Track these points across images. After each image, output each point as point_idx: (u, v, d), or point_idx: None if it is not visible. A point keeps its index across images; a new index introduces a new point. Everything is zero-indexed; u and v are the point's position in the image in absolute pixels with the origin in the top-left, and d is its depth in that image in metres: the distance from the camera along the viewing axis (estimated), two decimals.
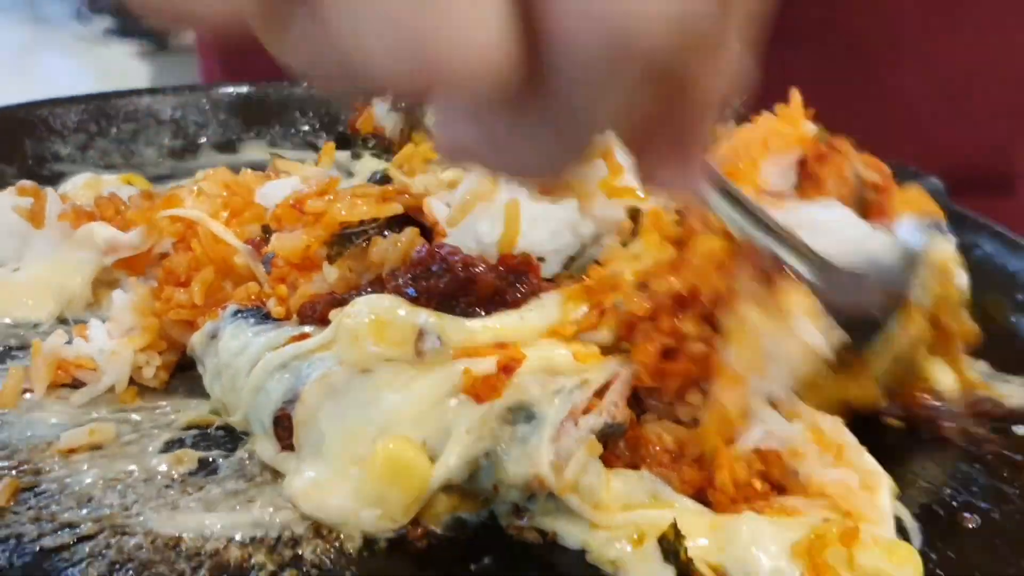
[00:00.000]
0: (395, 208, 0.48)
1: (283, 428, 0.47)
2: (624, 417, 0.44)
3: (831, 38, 0.76)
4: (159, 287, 0.50)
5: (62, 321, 0.64)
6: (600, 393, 0.43)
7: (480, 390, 0.39)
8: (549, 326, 0.42)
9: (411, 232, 0.46)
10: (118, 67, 4.21)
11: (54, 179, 0.67)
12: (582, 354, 0.43)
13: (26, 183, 0.50)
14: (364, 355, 0.41)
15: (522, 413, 0.40)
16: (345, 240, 0.47)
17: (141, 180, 0.68)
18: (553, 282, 0.46)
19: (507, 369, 0.40)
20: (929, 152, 0.76)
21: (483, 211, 0.48)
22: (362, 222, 0.47)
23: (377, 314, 0.41)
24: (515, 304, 0.42)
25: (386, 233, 0.46)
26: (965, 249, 0.56)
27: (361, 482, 0.41)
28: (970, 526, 0.50)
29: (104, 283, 0.55)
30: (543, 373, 0.41)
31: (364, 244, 0.47)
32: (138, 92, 0.61)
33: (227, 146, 0.70)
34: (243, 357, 0.48)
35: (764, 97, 0.61)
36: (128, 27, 4.52)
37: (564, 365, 0.41)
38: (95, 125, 0.59)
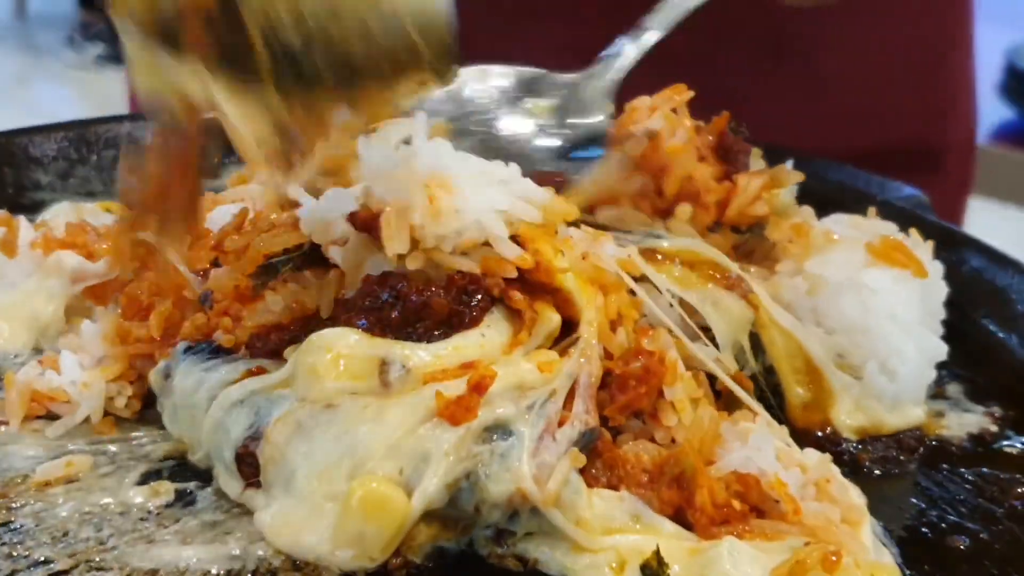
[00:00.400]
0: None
1: (247, 465, 0.46)
2: (596, 421, 0.44)
3: (761, 27, 0.77)
4: (122, 318, 0.49)
5: (37, 350, 0.62)
6: (568, 403, 0.43)
7: (455, 412, 0.38)
8: (509, 340, 0.41)
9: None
10: (111, 94, 4.22)
11: (35, 207, 0.65)
12: (544, 363, 0.42)
13: (2, 212, 0.49)
14: (326, 392, 0.40)
15: (499, 431, 0.39)
16: (271, 270, 0.46)
17: (121, 208, 0.68)
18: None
19: (479, 388, 0.39)
20: (862, 131, 0.80)
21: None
22: (285, 250, 0.47)
23: (335, 350, 0.40)
24: (472, 323, 0.41)
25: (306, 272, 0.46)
26: (954, 265, 0.55)
27: (337, 520, 0.39)
28: (960, 547, 0.49)
29: (78, 311, 0.54)
30: (513, 389, 0.40)
31: (291, 270, 0.46)
32: (118, 118, 0.60)
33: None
34: (199, 395, 0.47)
35: (702, 89, 0.62)
36: (120, 54, 4.51)
37: (532, 379, 0.41)
38: (75, 153, 0.59)
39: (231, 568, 0.48)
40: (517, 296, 0.41)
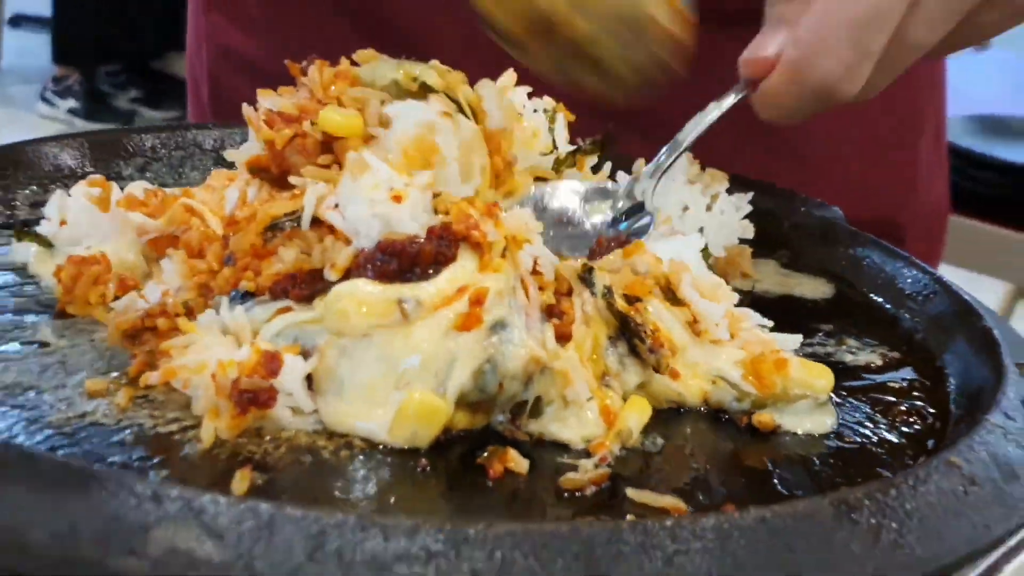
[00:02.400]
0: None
1: None
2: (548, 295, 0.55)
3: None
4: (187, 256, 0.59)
5: None
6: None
7: (466, 322, 0.50)
8: (478, 265, 0.53)
9: None
10: None
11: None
12: (505, 270, 0.53)
13: (96, 176, 0.61)
14: (358, 328, 0.51)
15: (498, 326, 0.51)
16: (277, 229, 0.57)
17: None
18: None
19: (479, 301, 0.50)
20: (839, 205, 0.88)
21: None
22: (286, 214, 0.57)
23: (359, 297, 0.51)
24: (451, 259, 0.53)
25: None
26: (859, 258, 0.68)
27: (393, 423, 0.50)
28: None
29: (153, 259, 0.65)
30: (496, 295, 0.51)
31: (292, 226, 0.56)
32: (185, 126, 0.72)
33: None
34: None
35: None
36: (92, 110, 4.61)
37: (501, 284, 0.52)
38: (152, 151, 0.70)
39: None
40: (475, 233, 0.53)
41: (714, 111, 0.61)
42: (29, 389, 0.48)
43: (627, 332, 0.53)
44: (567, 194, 0.63)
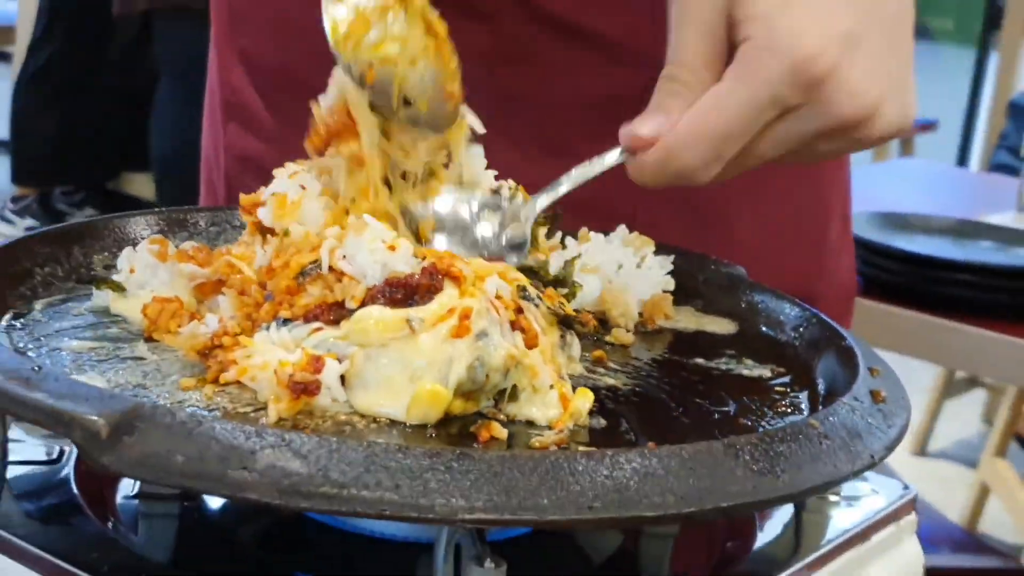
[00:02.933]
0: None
1: None
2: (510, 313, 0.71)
3: (690, 196, 0.90)
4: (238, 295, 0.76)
5: None
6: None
7: (459, 332, 0.67)
8: (459, 293, 0.70)
9: None
10: None
11: None
12: (478, 295, 0.70)
13: (156, 236, 0.78)
14: (378, 340, 0.68)
15: (482, 334, 0.68)
16: (303, 274, 0.74)
17: None
18: None
19: (466, 316, 0.68)
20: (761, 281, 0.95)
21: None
22: (310, 263, 0.75)
23: (376, 317, 0.68)
24: (439, 288, 0.70)
25: None
26: (754, 303, 0.87)
27: (409, 408, 0.66)
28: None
29: (200, 300, 0.81)
30: (477, 313, 0.69)
31: (316, 271, 0.74)
32: (220, 208, 0.89)
33: None
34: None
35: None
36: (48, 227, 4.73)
37: (479, 305, 0.69)
38: (194, 225, 0.88)
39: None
40: (454, 270, 0.71)
41: (596, 165, 0.74)
42: (138, 386, 0.64)
43: (565, 323, 0.71)
44: (461, 202, 0.78)
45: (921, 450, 3.69)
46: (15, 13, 5.18)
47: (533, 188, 0.79)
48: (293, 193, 0.72)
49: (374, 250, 0.69)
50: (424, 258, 0.70)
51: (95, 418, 0.53)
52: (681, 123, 0.69)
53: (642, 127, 0.70)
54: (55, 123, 4.73)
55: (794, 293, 0.89)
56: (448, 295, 0.69)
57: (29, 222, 4.85)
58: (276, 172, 0.75)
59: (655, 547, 0.74)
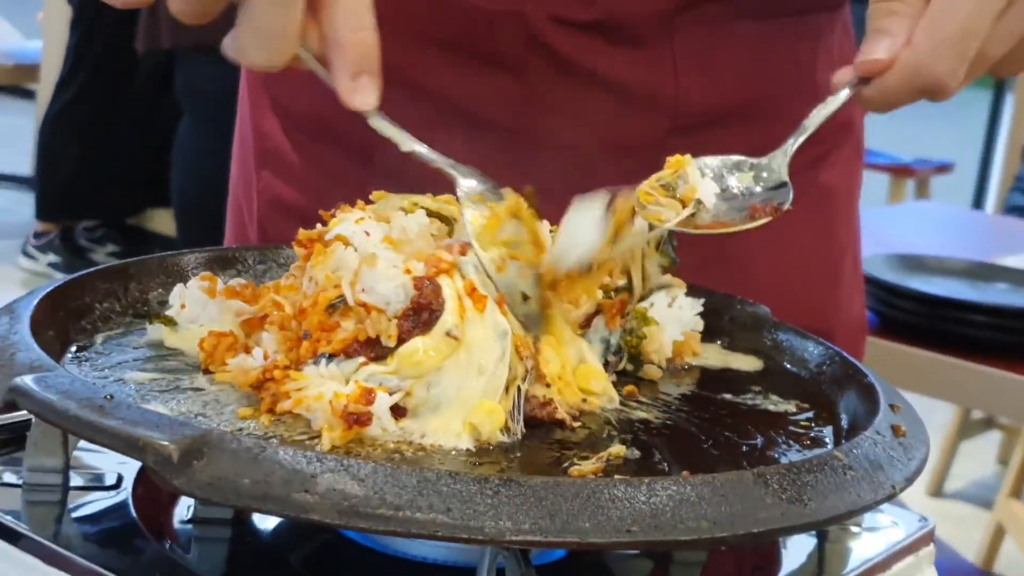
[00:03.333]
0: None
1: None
2: None
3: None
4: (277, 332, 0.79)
5: None
6: None
7: (479, 304, 0.70)
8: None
9: None
10: None
11: None
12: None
13: (205, 273, 0.82)
14: (432, 366, 0.72)
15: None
16: (333, 308, 0.78)
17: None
18: None
19: (473, 289, 0.70)
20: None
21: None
22: (337, 297, 0.78)
23: (422, 349, 0.72)
24: (438, 289, 0.71)
25: None
26: (779, 341, 0.90)
27: (467, 419, 0.71)
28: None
29: (247, 333, 0.85)
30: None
31: (343, 305, 0.78)
32: (266, 247, 0.93)
33: None
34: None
35: None
36: (71, 264, 4.80)
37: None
38: (243, 263, 0.92)
39: None
40: (434, 263, 0.73)
41: (832, 103, 0.76)
42: (199, 415, 0.68)
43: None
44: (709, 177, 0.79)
45: (937, 490, 3.71)
46: (40, 51, 5.27)
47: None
48: (358, 239, 0.75)
49: (391, 277, 0.73)
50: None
51: (167, 443, 0.57)
52: (917, 36, 0.71)
53: (875, 51, 0.72)
54: (79, 159, 4.79)
55: (810, 328, 0.92)
56: (449, 287, 0.72)
57: (51, 257, 4.91)
58: (340, 215, 0.78)
59: (684, 573, 0.78)
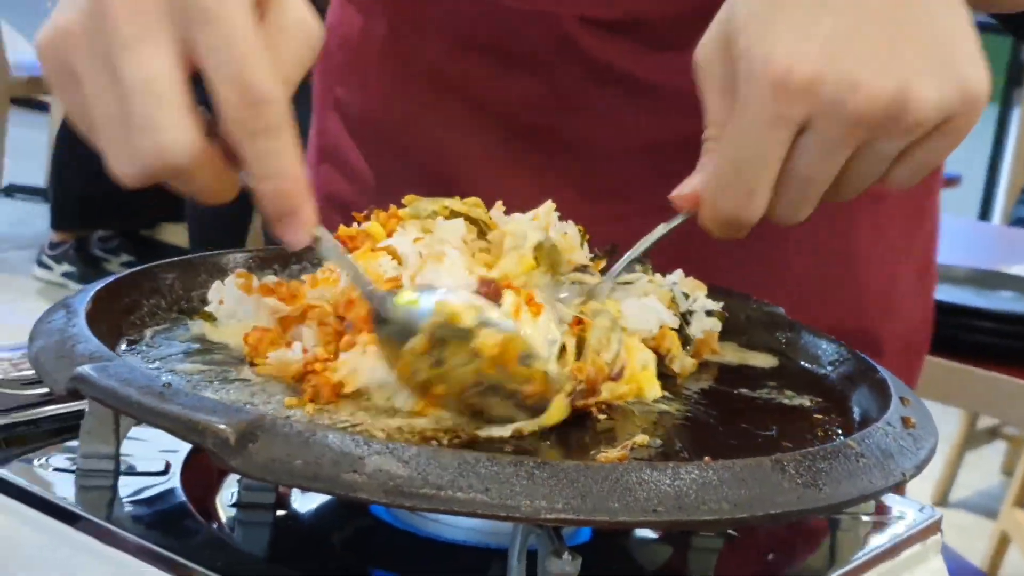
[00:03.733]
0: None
1: None
2: None
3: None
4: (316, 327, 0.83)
5: None
6: None
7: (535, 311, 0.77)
8: None
9: None
10: None
11: None
12: None
13: (241, 270, 0.86)
14: None
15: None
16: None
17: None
18: None
19: (531, 299, 0.75)
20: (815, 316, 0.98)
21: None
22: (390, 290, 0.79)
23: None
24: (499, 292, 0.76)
25: None
26: (793, 340, 0.94)
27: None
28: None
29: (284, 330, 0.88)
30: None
31: None
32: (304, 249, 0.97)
33: None
34: None
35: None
36: (85, 274, 4.85)
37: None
38: (281, 262, 0.96)
39: None
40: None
41: (661, 230, 0.78)
42: (247, 403, 0.72)
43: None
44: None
45: (942, 500, 3.74)
46: None
47: (591, 227, 0.87)
48: (412, 259, 0.79)
49: (456, 274, 0.77)
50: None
51: (224, 427, 0.61)
52: (710, 166, 0.73)
53: (682, 188, 0.75)
54: (94, 172, 4.81)
55: (860, 330, 0.95)
56: (511, 293, 0.75)
57: (66, 267, 4.96)
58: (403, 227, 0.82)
59: (702, 559, 0.82)
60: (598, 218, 0.88)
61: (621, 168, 1.05)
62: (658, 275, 0.90)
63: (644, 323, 0.85)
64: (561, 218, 0.87)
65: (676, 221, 0.78)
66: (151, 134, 0.57)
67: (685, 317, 0.87)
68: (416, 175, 1.07)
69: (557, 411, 0.74)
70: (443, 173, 0.86)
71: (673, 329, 0.86)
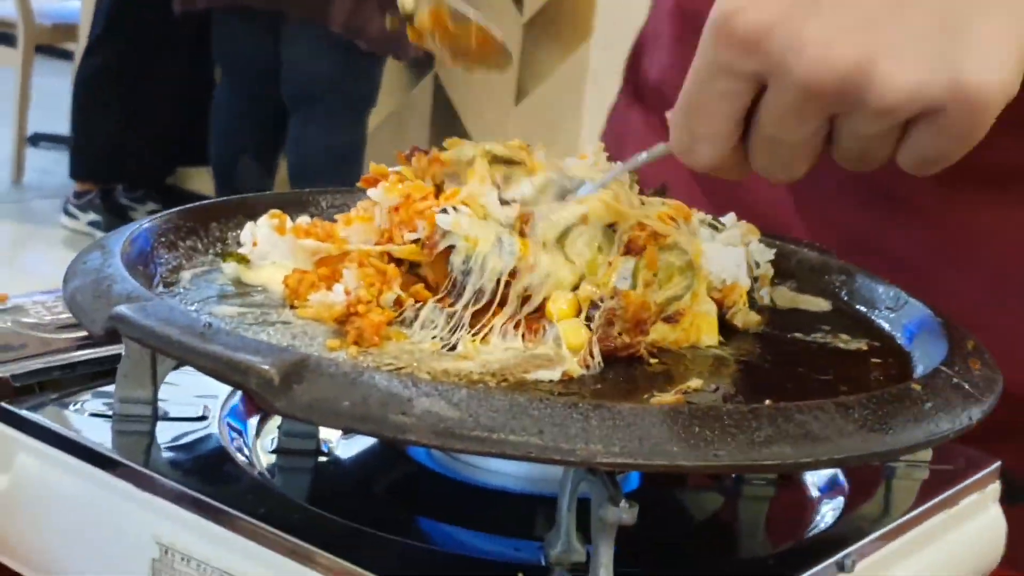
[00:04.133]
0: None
1: None
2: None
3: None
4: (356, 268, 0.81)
5: None
6: None
7: None
8: None
9: None
10: None
11: None
12: None
13: (274, 211, 0.84)
14: None
15: None
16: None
17: None
18: None
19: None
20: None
21: None
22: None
23: None
24: None
25: None
26: (846, 283, 0.91)
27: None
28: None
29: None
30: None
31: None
32: (340, 190, 0.95)
33: None
34: None
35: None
36: (111, 223, 4.85)
37: None
38: (315, 204, 0.94)
39: None
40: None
41: (642, 156, 0.75)
42: (289, 346, 0.70)
43: None
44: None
45: None
46: (78, 11, 5.29)
47: (866, 237, 0.93)
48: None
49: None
50: None
51: (268, 367, 0.59)
52: None
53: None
54: (114, 122, 4.82)
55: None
56: None
57: (92, 216, 4.96)
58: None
59: (752, 507, 0.79)
60: (880, 225, 0.91)
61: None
62: (710, 215, 0.87)
63: (722, 271, 0.82)
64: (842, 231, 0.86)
65: (662, 148, 0.71)
66: None
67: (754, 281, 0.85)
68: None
69: (573, 334, 0.72)
70: None
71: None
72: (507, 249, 0.74)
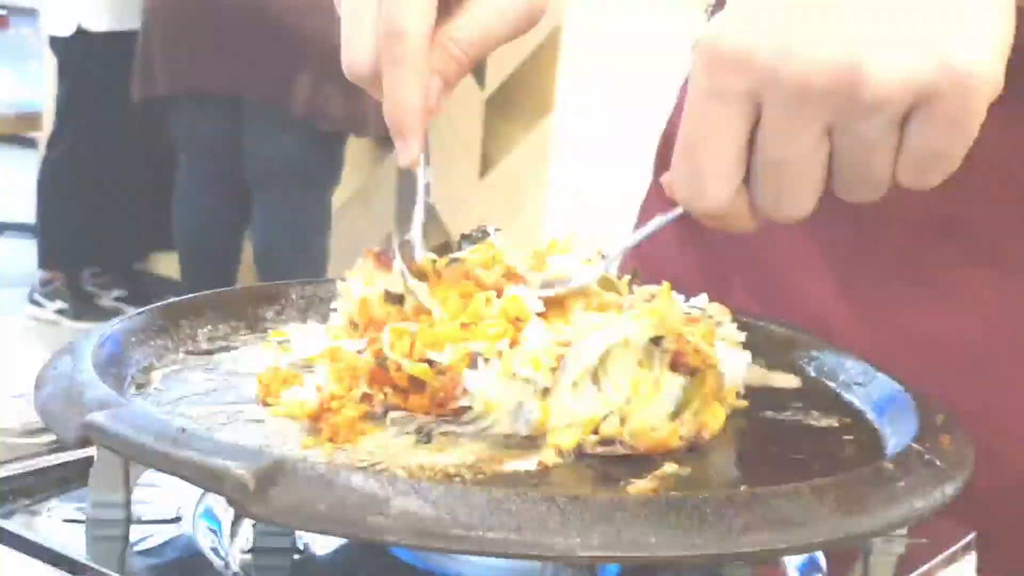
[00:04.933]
0: None
1: None
2: None
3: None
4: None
5: None
6: None
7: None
8: None
9: None
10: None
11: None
12: None
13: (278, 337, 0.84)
14: None
15: None
16: None
17: None
18: None
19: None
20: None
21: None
22: None
23: None
24: None
25: None
26: (814, 358, 0.92)
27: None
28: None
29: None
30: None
31: None
32: (309, 282, 0.95)
33: None
34: None
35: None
36: (79, 310, 4.82)
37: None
38: (294, 299, 0.93)
39: None
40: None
41: (657, 222, 0.71)
42: (263, 446, 0.70)
43: None
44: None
45: None
46: (41, 101, 5.30)
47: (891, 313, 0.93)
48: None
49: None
50: None
51: (243, 472, 0.59)
52: None
53: (668, 175, 0.67)
54: (80, 209, 4.81)
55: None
56: None
57: (58, 304, 4.93)
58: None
59: None
60: (907, 301, 0.91)
61: (930, 249, 0.95)
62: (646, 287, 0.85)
63: (732, 381, 0.81)
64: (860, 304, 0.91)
65: (674, 213, 0.69)
66: None
67: None
68: None
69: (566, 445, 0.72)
70: None
71: None
72: (525, 417, 0.72)
